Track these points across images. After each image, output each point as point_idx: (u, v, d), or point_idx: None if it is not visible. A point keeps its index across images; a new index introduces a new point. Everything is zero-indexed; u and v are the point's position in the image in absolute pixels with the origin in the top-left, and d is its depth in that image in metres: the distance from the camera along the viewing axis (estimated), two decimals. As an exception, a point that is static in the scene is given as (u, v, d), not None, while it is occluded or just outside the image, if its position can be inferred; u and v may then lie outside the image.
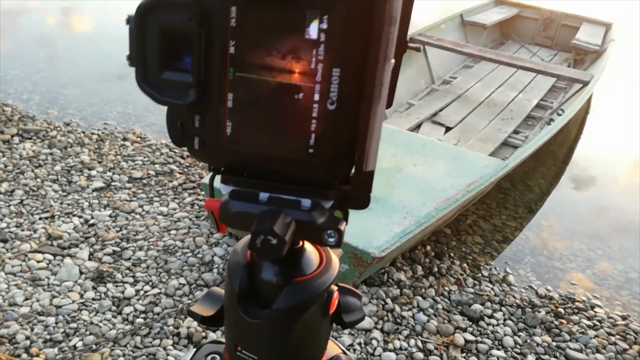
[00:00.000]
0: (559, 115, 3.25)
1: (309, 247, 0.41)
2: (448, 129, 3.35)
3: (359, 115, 0.32)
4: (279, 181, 0.35)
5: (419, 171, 2.32)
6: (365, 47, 0.30)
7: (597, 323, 2.15)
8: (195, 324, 1.82)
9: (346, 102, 0.32)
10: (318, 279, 0.40)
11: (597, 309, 2.24)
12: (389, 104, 0.35)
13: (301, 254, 0.40)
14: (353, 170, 0.34)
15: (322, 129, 0.32)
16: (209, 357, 0.49)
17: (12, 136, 2.84)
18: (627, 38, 5.91)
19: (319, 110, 0.32)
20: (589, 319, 2.17)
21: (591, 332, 2.08)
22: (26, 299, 1.84)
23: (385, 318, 1.97)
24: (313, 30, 0.30)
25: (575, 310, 2.21)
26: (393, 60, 0.31)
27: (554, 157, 3.64)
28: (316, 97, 0.32)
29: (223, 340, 0.47)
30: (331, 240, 0.35)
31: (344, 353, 0.48)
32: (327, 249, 0.42)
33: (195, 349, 0.52)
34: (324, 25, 0.30)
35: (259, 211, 0.35)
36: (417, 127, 3.32)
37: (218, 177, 0.38)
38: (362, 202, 0.35)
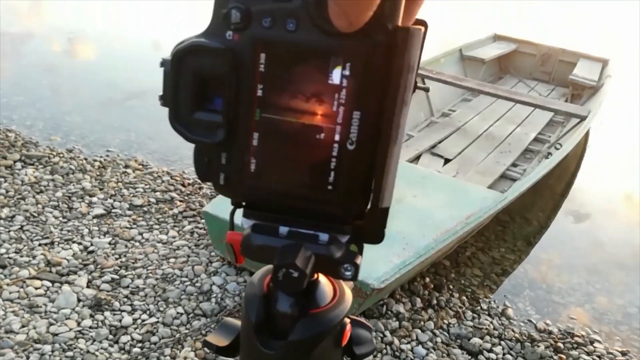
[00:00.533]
0: (557, 149, 3.28)
1: (323, 279, 0.42)
2: (447, 160, 3.38)
3: (376, 155, 0.34)
4: (298, 216, 0.37)
5: (418, 202, 2.34)
6: (383, 91, 0.33)
7: (597, 359, 2.13)
8: (192, 354, 1.81)
9: (365, 142, 0.34)
10: (332, 311, 0.41)
11: (596, 344, 2.23)
12: None
13: (316, 287, 0.42)
14: (369, 206, 0.36)
15: (342, 168, 0.34)
16: None
17: (15, 162, 2.86)
18: (623, 74, 6.01)
19: (339, 149, 0.34)
20: (588, 354, 2.16)
21: (591, 368, 2.07)
22: (23, 326, 1.83)
23: (384, 351, 1.96)
24: (336, 76, 0.33)
25: (575, 345, 2.19)
26: (409, 104, 0.33)
27: (552, 191, 3.66)
28: (337, 137, 0.34)
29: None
30: (348, 273, 0.37)
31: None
32: (340, 282, 0.44)
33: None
34: (347, 72, 0.32)
35: (279, 244, 0.36)
36: (416, 159, 3.35)
37: (239, 211, 0.39)
38: (377, 236, 0.36)
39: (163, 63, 0.34)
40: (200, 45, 0.33)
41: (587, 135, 4.12)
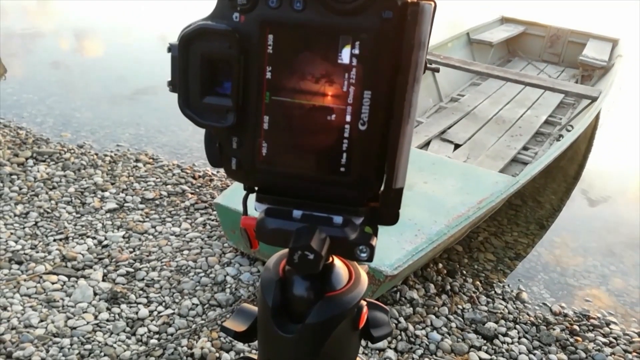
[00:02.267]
0: (568, 131, 3.25)
1: (338, 262, 0.42)
2: (457, 146, 3.36)
3: (389, 134, 0.33)
4: (311, 199, 0.37)
5: (429, 189, 2.33)
6: (394, 70, 0.32)
7: (613, 340, 2.13)
8: (209, 344, 1.82)
9: (376, 122, 0.33)
10: (349, 294, 0.41)
11: (612, 326, 2.22)
12: None
13: (331, 270, 0.42)
14: (382, 187, 0.36)
15: (354, 149, 0.34)
16: None
17: (27, 159, 2.88)
18: (634, 53, 5.92)
19: (350, 130, 0.34)
20: (604, 336, 2.15)
21: (607, 350, 2.06)
22: (41, 321, 1.86)
23: (399, 337, 1.96)
24: (345, 56, 0.32)
25: (591, 328, 2.18)
26: (421, 82, 0.33)
27: (564, 173, 3.63)
28: (348, 118, 0.33)
29: (252, 355, 0.48)
30: (363, 255, 0.37)
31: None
32: (355, 264, 0.44)
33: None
34: (356, 51, 0.32)
35: (294, 228, 0.36)
36: (426, 145, 3.33)
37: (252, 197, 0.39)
38: (392, 218, 0.36)
39: (171, 48, 0.34)
40: (207, 28, 0.33)
41: (598, 116, 4.07)
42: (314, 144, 0.35)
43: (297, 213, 0.37)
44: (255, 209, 0.39)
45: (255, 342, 0.45)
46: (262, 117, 0.34)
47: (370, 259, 0.37)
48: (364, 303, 0.42)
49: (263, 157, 0.35)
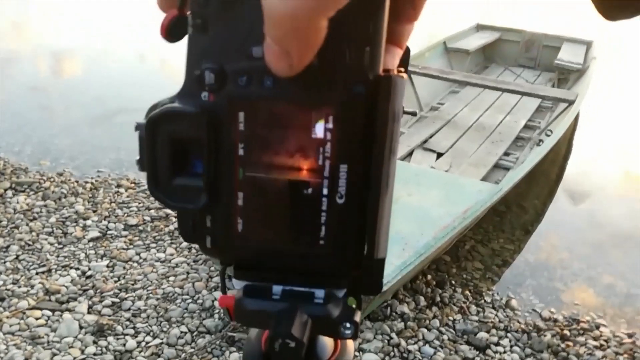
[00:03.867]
0: (548, 136, 3.29)
1: None
2: (439, 155, 3.38)
3: (367, 207, 0.33)
4: (291, 273, 0.36)
5: (414, 200, 2.33)
6: (369, 142, 0.31)
7: (604, 343, 2.14)
8: (199, 372, 1.80)
9: (354, 195, 0.33)
10: None
11: (602, 329, 2.23)
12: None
13: (316, 341, 0.40)
14: (364, 257, 0.35)
15: (332, 222, 0.33)
16: None
17: (5, 190, 2.83)
18: (607, 55, 6.03)
19: (328, 204, 0.33)
20: (595, 339, 2.16)
21: (599, 353, 2.07)
22: (26, 359, 1.81)
23: (392, 354, 1.95)
24: (319, 130, 0.31)
25: (581, 331, 2.19)
26: (397, 153, 0.32)
27: (546, 176, 3.67)
28: (325, 191, 0.33)
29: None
30: (347, 332, 0.36)
31: None
32: None
33: None
34: (330, 125, 0.31)
35: (274, 309, 0.35)
36: (408, 155, 3.34)
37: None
38: (374, 288, 0.35)
39: (138, 127, 0.33)
40: (175, 111, 0.32)
41: (576, 118, 4.13)
42: (291, 218, 0.34)
43: (277, 289, 0.36)
44: (233, 287, 0.38)
45: None
46: (236, 194, 0.33)
47: (354, 336, 0.36)
48: None
49: (239, 234, 0.34)
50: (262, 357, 0.40)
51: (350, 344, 0.42)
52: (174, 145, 0.32)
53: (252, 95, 0.31)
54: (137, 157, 0.34)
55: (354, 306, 0.36)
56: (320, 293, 0.36)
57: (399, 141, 0.32)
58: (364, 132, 0.31)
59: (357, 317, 0.36)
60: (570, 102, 3.62)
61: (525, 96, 4.03)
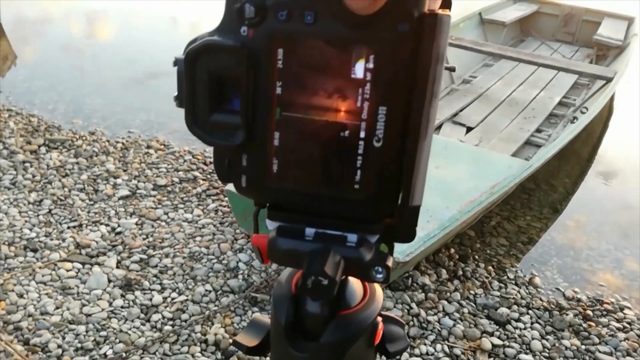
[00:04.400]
0: (583, 113, 3.20)
1: (352, 278, 0.41)
2: (469, 129, 3.33)
3: (405, 151, 0.32)
4: (325, 216, 0.36)
5: (441, 174, 2.31)
6: (411, 84, 0.31)
7: (627, 325, 2.11)
8: (222, 330, 1.84)
9: (392, 139, 0.32)
10: (364, 312, 0.40)
11: (626, 311, 2.20)
12: None
13: (346, 287, 0.41)
14: (399, 204, 0.34)
15: (368, 166, 0.33)
16: None
17: (39, 146, 2.90)
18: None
19: (365, 147, 0.32)
20: (618, 321, 2.14)
21: (621, 335, 2.05)
22: (57, 308, 1.88)
23: (411, 323, 1.97)
24: (359, 70, 0.31)
25: (604, 313, 2.17)
26: (439, 96, 0.31)
27: (578, 156, 3.59)
28: (362, 134, 0.32)
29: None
30: (379, 276, 0.36)
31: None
32: None
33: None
34: (370, 65, 0.31)
35: (306, 249, 0.35)
36: (437, 128, 3.30)
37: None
38: (408, 236, 0.35)
39: (176, 62, 0.33)
40: (214, 44, 0.31)
41: (613, 97, 4.00)
42: (326, 160, 0.33)
43: (309, 231, 0.36)
44: (267, 227, 0.38)
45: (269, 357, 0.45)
46: (272, 134, 0.33)
47: (386, 280, 0.36)
48: (379, 319, 0.41)
49: (274, 175, 0.34)
50: (291, 299, 0.40)
51: (380, 293, 0.43)
52: (212, 81, 0.32)
53: (292, 31, 0.31)
54: (175, 94, 0.34)
55: (386, 252, 0.37)
56: (352, 237, 0.36)
57: (441, 86, 0.31)
58: (406, 74, 0.31)
59: (390, 262, 0.36)
60: (608, 80, 3.51)
61: (561, 72, 3.92)
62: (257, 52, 0.31)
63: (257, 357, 0.47)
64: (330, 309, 0.39)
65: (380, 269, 0.36)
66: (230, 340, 1.82)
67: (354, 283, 0.42)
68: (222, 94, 0.33)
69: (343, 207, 0.35)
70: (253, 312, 1.93)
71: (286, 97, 0.32)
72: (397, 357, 0.44)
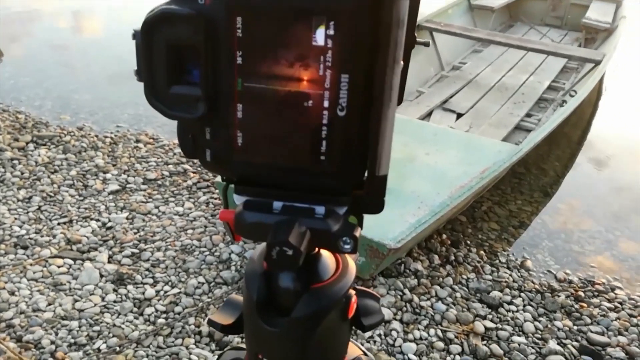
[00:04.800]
0: (572, 96, 3.21)
1: (324, 252, 0.41)
2: (459, 115, 3.33)
3: (370, 119, 0.32)
4: (292, 189, 0.35)
5: (431, 160, 2.32)
6: (373, 50, 0.30)
7: (618, 305, 2.13)
8: (215, 322, 1.84)
9: (356, 107, 0.32)
10: (336, 285, 0.40)
11: (617, 291, 2.22)
12: (399, 101, 0.35)
13: (317, 260, 0.40)
14: (366, 175, 0.34)
15: (333, 136, 0.32)
16: None
17: (27, 143, 2.88)
18: (638, 14, 5.79)
19: (328, 117, 0.32)
20: (609, 301, 2.15)
21: (612, 315, 2.06)
22: (49, 304, 1.88)
23: (404, 309, 1.98)
24: (320, 37, 0.30)
25: (596, 293, 2.19)
26: (402, 63, 0.31)
27: (568, 139, 3.60)
28: (325, 104, 0.31)
29: (243, 345, 0.47)
30: (347, 247, 0.35)
31: (365, 354, 0.48)
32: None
33: (217, 356, 0.52)
34: (331, 31, 0.30)
35: (273, 221, 0.35)
36: (427, 115, 3.30)
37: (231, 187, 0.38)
38: (376, 206, 0.35)
39: (135, 34, 0.32)
40: (170, 13, 0.31)
41: (602, 79, 4.01)
42: (291, 131, 0.33)
43: (277, 205, 0.36)
44: (234, 202, 0.38)
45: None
46: (235, 106, 0.33)
47: (354, 250, 0.36)
48: (352, 292, 0.41)
49: (239, 148, 0.34)
50: (263, 275, 0.40)
51: (352, 267, 0.42)
52: (170, 52, 0.32)
53: None
54: (135, 68, 0.33)
55: (355, 223, 0.36)
56: (320, 209, 0.35)
57: (402, 51, 0.30)
58: (367, 39, 0.30)
59: (357, 232, 0.35)
60: (597, 63, 3.52)
61: (550, 56, 3.92)
62: (215, 20, 0.31)
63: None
64: (302, 284, 0.39)
65: (348, 240, 0.35)
66: (224, 332, 1.82)
67: (327, 257, 0.41)
68: (182, 65, 0.32)
69: (310, 179, 0.35)
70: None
71: (247, 67, 0.31)
72: (372, 330, 0.44)
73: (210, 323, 0.46)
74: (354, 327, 0.43)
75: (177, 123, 0.35)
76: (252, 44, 0.31)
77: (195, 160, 2.82)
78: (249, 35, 0.31)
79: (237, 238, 0.39)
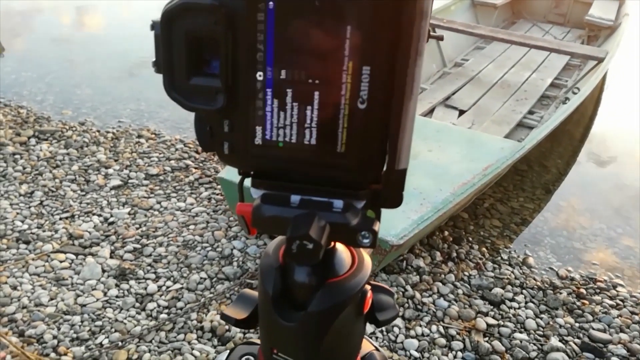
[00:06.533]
0: (574, 94, 3.20)
1: (340, 247, 0.41)
2: (462, 112, 3.32)
3: (390, 112, 0.31)
4: (310, 183, 0.35)
5: (434, 157, 2.31)
6: (395, 43, 0.30)
7: (620, 302, 2.13)
8: (218, 317, 1.84)
9: (377, 100, 0.31)
10: (352, 280, 0.40)
11: (619, 288, 2.22)
12: None
13: (333, 255, 0.40)
14: (385, 169, 0.34)
15: (353, 129, 0.32)
16: (244, 359, 0.50)
17: (29, 138, 2.87)
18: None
19: (349, 109, 0.31)
20: (611, 298, 2.15)
21: (614, 312, 2.06)
22: (51, 299, 1.88)
23: (406, 305, 1.98)
24: (342, 29, 0.30)
25: (597, 291, 2.19)
26: (424, 55, 0.31)
27: (570, 137, 3.59)
28: (346, 96, 0.31)
29: (256, 340, 0.47)
30: (366, 241, 0.35)
31: (377, 350, 0.48)
32: (359, 248, 0.42)
33: (229, 350, 0.52)
34: (353, 23, 0.30)
35: (291, 215, 0.35)
36: (430, 112, 3.29)
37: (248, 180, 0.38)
38: (395, 201, 0.34)
39: (153, 25, 0.32)
40: (191, 3, 0.30)
41: (604, 77, 4.00)
42: (310, 124, 0.33)
43: (295, 198, 0.35)
44: (251, 195, 0.37)
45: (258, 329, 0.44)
46: (254, 98, 0.32)
47: (373, 245, 0.36)
48: (368, 287, 0.41)
49: (257, 140, 0.34)
50: (278, 269, 0.40)
51: (368, 261, 0.42)
52: (190, 43, 0.31)
53: None
54: (154, 59, 0.33)
55: (373, 217, 0.36)
56: (338, 203, 0.35)
57: (425, 43, 0.30)
58: (390, 31, 0.30)
59: (376, 227, 0.35)
60: (600, 60, 3.51)
61: (552, 53, 3.91)
62: (236, 11, 0.30)
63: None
64: (318, 278, 0.39)
65: (366, 234, 0.35)
66: (226, 327, 1.82)
67: (342, 252, 0.41)
68: (201, 57, 0.32)
69: (328, 172, 0.34)
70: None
71: (267, 59, 0.31)
72: (386, 325, 0.44)
73: (224, 317, 0.46)
74: (368, 323, 0.43)
75: (195, 115, 0.34)
76: (274, 36, 0.30)
77: (197, 156, 2.82)
78: (270, 26, 0.30)
79: (253, 231, 0.39)
